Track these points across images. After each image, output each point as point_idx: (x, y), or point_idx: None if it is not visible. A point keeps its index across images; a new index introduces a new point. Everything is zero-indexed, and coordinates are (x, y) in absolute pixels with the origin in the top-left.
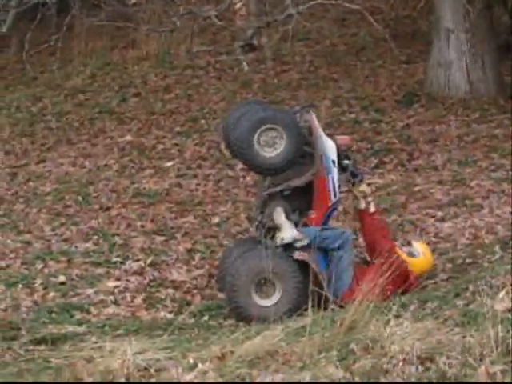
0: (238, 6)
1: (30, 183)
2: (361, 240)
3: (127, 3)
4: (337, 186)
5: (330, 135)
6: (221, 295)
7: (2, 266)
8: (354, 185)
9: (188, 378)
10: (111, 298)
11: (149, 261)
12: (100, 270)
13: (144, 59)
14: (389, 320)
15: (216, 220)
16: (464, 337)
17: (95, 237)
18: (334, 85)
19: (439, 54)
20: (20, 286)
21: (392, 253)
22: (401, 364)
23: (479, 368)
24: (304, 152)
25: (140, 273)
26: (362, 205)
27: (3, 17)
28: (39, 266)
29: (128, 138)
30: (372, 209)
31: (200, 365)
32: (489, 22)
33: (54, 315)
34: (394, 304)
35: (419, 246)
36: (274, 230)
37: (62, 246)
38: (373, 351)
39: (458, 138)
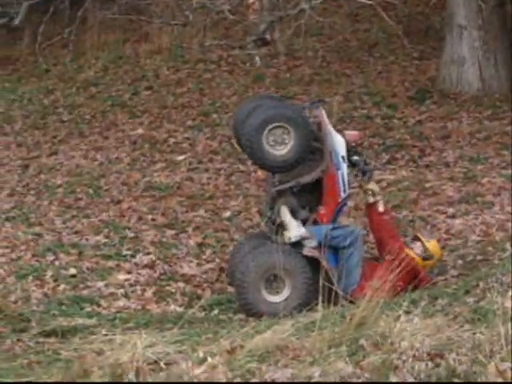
0: (251, 0)
1: (42, 175)
2: (371, 236)
3: None
4: (346, 181)
5: (339, 131)
6: (231, 289)
7: (12, 257)
8: (361, 182)
9: (198, 371)
10: (121, 291)
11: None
12: (111, 263)
13: (156, 53)
14: (399, 316)
15: (227, 214)
16: (474, 334)
17: (106, 230)
18: (346, 80)
19: (452, 50)
20: (30, 278)
21: (401, 252)
22: (410, 360)
23: (489, 365)
24: (313, 148)
25: (150, 266)
26: (371, 199)
27: (16, 9)
28: (50, 258)
29: (140, 131)
30: (380, 208)
31: (210, 359)
32: (502, 19)
33: (64, 308)
34: (404, 300)
35: (428, 244)
36: (283, 226)
37: (73, 239)
38: (382, 347)
39: (469, 134)
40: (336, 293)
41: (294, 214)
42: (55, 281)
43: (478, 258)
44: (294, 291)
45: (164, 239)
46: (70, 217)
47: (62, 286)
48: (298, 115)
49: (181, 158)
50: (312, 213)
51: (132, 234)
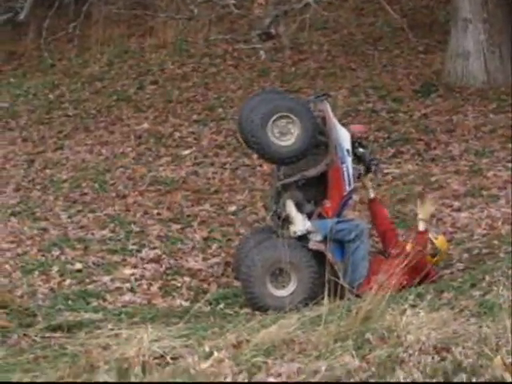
0: None
1: (47, 170)
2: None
3: None
4: (351, 175)
5: (344, 124)
6: (237, 283)
7: (18, 252)
8: (359, 176)
9: (204, 365)
10: (127, 285)
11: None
12: (116, 258)
13: (161, 47)
14: (405, 310)
15: (232, 208)
16: (480, 327)
17: (112, 224)
18: (351, 74)
19: (457, 44)
20: (36, 272)
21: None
22: (416, 354)
23: (495, 358)
24: (318, 141)
25: (156, 260)
26: (371, 194)
27: (21, 4)
28: (56, 253)
29: (145, 125)
30: (372, 195)
31: (216, 353)
32: (507, 12)
33: (70, 302)
34: (410, 294)
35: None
36: (288, 220)
37: (79, 234)
38: (389, 341)
39: (475, 128)
40: (342, 287)
41: (299, 207)
42: (61, 275)
43: (484, 251)
44: (300, 285)
45: (170, 233)
46: (75, 211)
47: (68, 281)
48: (302, 106)
49: (186, 152)
50: (317, 206)
51: (138, 229)
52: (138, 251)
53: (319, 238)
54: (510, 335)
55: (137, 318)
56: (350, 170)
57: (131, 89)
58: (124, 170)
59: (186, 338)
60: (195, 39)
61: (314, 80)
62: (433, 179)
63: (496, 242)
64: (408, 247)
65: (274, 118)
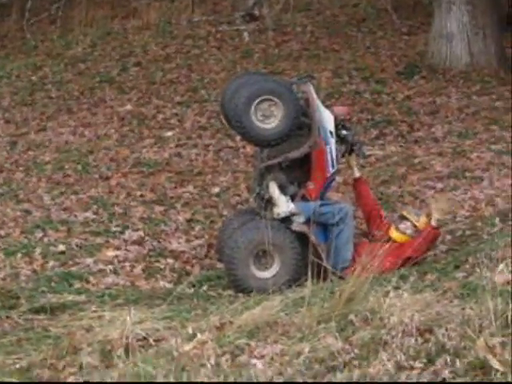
0: None
1: (30, 152)
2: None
3: None
4: (335, 156)
5: (327, 106)
6: (220, 265)
7: (1, 234)
8: (343, 155)
9: (187, 347)
10: (110, 267)
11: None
12: (99, 240)
13: (144, 29)
14: (388, 292)
15: (216, 190)
16: (463, 309)
17: (95, 206)
18: (334, 56)
19: (440, 25)
20: (19, 254)
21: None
22: (400, 335)
23: (478, 340)
24: (301, 123)
25: (139, 242)
26: (357, 174)
27: None
28: (39, 234)
29: (128, 107)
30: (357, 174)
31: (199, 335)
32: None
33: (53, 284)
34: (393, 276)
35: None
36: (272, 202)
37: (62, 215)
38: (372, 323)
39: (458, 110)
40: (325, 268)
41: (282, 189)
42: (44, 257)
43: (467, 233)
44: (283, 267)
45: (153, 215)
46: (58, 193)
47: (51, 263)
48: (284, 88)
49: (169, 133)
50: (300, 188)
51: (121, 211)
52: (121, 233)
53: (302, 219)
54: (492, 317)
55: (120, 300)
56: (334, 152)
57: (114, 70)
58: (107, 151)
59: (169, 319)
60: (178, 21)
61: (298, 61)
62: (416, 161)
63: (479, 223)
64: (392, 232)
65: (257, 101)
